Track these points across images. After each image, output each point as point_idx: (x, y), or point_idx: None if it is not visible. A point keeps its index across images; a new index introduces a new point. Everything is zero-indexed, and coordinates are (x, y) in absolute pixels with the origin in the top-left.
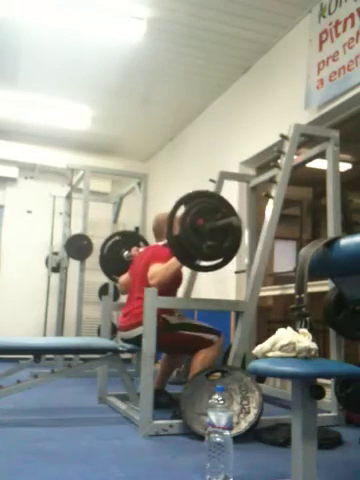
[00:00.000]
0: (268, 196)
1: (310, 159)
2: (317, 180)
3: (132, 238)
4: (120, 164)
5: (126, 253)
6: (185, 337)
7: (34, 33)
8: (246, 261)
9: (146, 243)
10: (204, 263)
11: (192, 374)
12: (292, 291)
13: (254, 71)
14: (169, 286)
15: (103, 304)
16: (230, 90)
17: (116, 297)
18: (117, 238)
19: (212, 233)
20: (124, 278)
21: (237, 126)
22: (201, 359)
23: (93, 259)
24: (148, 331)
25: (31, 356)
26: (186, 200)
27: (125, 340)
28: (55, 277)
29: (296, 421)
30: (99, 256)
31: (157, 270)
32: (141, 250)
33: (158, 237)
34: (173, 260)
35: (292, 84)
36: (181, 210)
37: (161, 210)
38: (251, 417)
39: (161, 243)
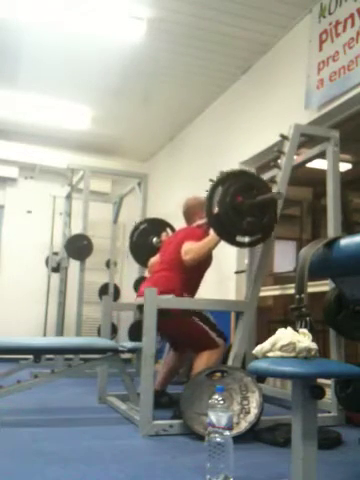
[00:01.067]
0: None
1: (310, 159)
2: (317, 180)
3: (159, 225)
4: (120, 164)
5: (155, 239)
6: (196, 328)
7: (34, 33)
8: (246, 261)
9: (173, 229)
10: (243, 239)
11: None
12: (292, 291)
13: (254, 71)
14: (201, 265)
15: (103, 304)
16: (230, 90)
17: (116, 297)
18: (145, 226)
19: (251, 209)
20: (153, 260)
21: (237, 126)
22: (205, 361)
23: (93, 259)
24: (148, 331)
25: (31, 356)
26: (223, 180)
27: (139, 307)
28: (55, 277)
29: (296, 421)
30: (129, 243)
31: (191, 247)
32: (170, 234)
33: (188, 221)
34: (209, 238)
35: (292, 84)
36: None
37: (161, 210)
38: (251, 417)
39: (195, 224)
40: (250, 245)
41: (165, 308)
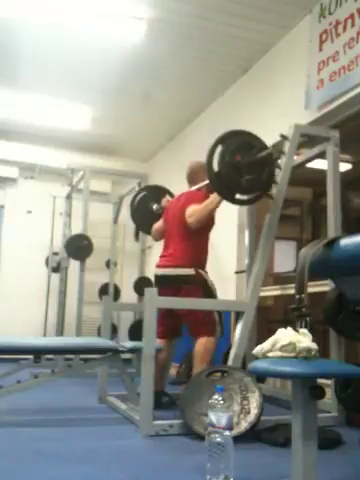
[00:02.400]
0: (268, 196)
1: (310, 159)
2: (317, 180)
3: (158, 191)
4: (120, 164)
5: (155, 206)
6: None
7: (34, 33)
8: (246, 261)
9: (172, 195)
10: (243, 197)
11: (196, 363)
12: (292, 291)
13: (254, 71)
14: (204, 226)
15: (103, 304)
16: (230, 90)
17: (116, 297)
18: (144, 193)
19: (250, 167)
20: (157, 225)
21: (237, 126)
22: (204, 345)
23: (93, 259)
24: (148, 331)
25: (31, 356)
26: (223, 139)
27: (158, 277)
28: (55, 277)
29: (296, 421)
30: (130, 211)
31: (194, 210)
32: (170, 199)
33: (191, 183)
34: (210, 200)
35: (292, 84)
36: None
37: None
38: (251, 417)
39: (194, 188)
40: (249, 202)
41: (188, 275)
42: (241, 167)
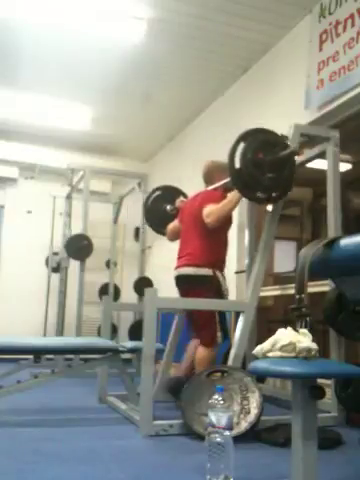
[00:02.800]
0: None
1: (310, 159)
2: (317, 180)
3: (173, 192)
4: (120, 164)
5: (169, 206)
6: (212, 314)
7: (34, 33)
8: (246, 261)
9: (185, 196)
10: (263, 195)
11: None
12: (292, 291)
13: (254, 71)
14: (222, 225)
15: (103, 304)
16: (230, 90)
17: (116, 297)
18: (159, 192)
19: (272, 165)
20: (171, 226)
21: (237, 126)
22: (202, 354)
23: (93, 259)
24: (148, 331)
25: (31, 356)
26: (245, 136)
27: (177, 278)
28: (55, 277)
29: (296, 421)
30: (144, 210)
31: (212, 209)
32: (184, 200)
33: (207, 183)
34: (228, 199)
35: (292, 84)
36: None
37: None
38: (251, 417)
39: (211, 187)
40: (270, 201)
41: (205, 275)
42: (263, 165)
